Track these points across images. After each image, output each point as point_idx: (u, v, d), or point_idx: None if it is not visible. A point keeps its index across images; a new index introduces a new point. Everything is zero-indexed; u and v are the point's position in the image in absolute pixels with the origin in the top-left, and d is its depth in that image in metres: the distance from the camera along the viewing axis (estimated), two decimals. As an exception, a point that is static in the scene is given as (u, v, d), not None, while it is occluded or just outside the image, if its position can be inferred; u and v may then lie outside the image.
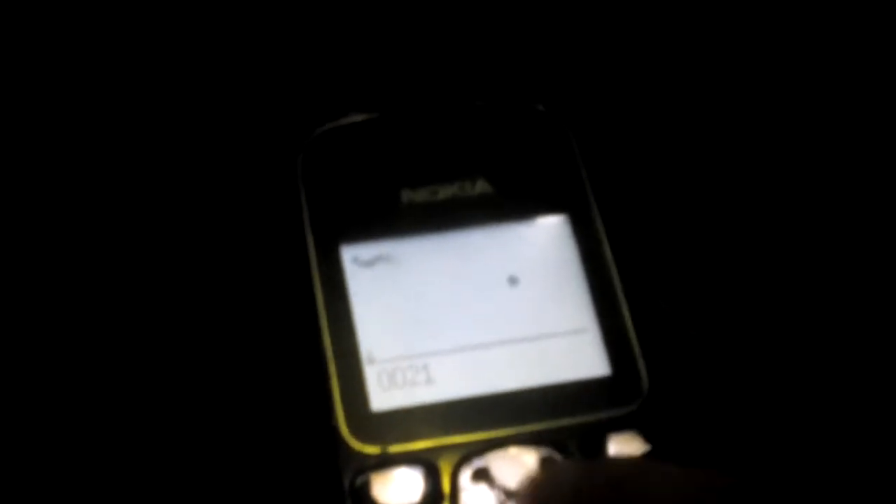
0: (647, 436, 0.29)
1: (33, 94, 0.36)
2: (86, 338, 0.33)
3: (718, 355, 0.33)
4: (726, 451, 0.31)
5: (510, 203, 0.32)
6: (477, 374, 0.30)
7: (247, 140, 0.36)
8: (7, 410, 0.32)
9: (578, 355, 0.30)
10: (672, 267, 0.35)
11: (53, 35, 0.37)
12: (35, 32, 0.37)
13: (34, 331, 0.33)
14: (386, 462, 0.28)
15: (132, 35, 0.37)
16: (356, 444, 0.29)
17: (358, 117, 0.33)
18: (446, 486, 0.28)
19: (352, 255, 0.31)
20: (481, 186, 0.32)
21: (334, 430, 0.29)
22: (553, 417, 0.29)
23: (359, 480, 0.28)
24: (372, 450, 0.29)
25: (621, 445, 0.29)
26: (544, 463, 0.28)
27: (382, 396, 0.29)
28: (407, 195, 0.32)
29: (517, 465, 0.28)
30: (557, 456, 0.29)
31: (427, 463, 0.28)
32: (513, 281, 0.31)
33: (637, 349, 0.30)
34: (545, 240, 0.32)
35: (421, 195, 0.32)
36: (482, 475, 0.28)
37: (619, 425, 0.29)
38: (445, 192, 0.32)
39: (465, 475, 0.28)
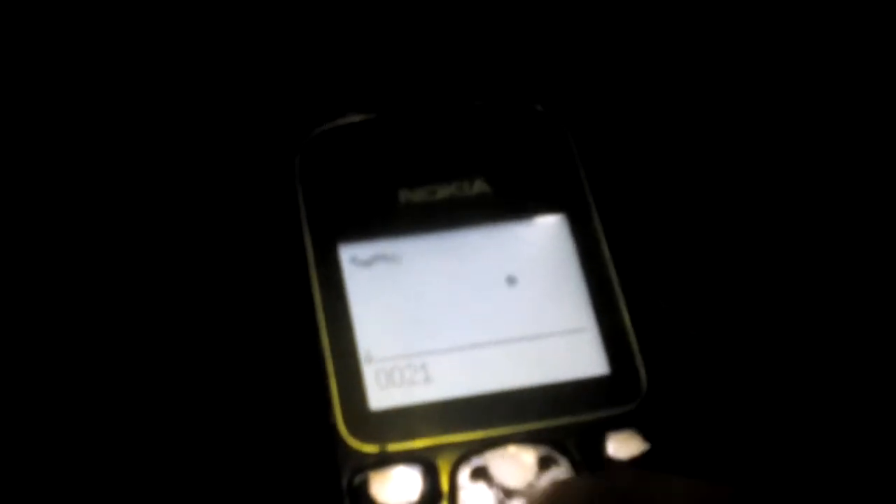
0: (645, 435, 0.29)
1: (30, 88, 0.36)
2: (83, 337, 0.33)
3: (717, 354, 0.33)
4: (726, 450, 0.31)
5: (508, 203, 0.32)
6: (475, 373, 0.30)
7: (244, 140, 0.36)
8: (5, 411, 0.32)
9: (577, 354, 0.30)
10: (671, 266, 0.35)
11: (53, 33, 0.37)
12: (33, 30, 0.37)
13: (30, 330, 0.33)
14: (384, 461, 0.28)
15: (130, 34, 0.37)
16: (354, 443, 0.29)
17: (356, 117, 0.33)
18: (445, 484, 0.28)
19: (350, 255, 0.31)
20: (479, 186, 0.32)
21: (332, 429, 0.29)
22: (552, 416, 0.29)
23: (357, 479, 0.28)
24: (370, 448, 0.28)
25: (620, 444, 0.29)
26: (554, 483, 0.28)
27: (381, 395, 0.29)
28: (405, 195, 0.32)
29: (516, 463, 0.28)
30: (556, 455, 0.28)
31: (425, 461, 0.28)
32: (511, 280, 0.31)
33: (636, 348, 0.30)
34: (543, 239, 0.32)
35: (419, 195, 0.32)
36: (481, 474, 0.28)
37: (618, 424, 0.29)
38: (443, 191, 0.32)
39: (464, 474, 0.28)
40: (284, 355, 0.32)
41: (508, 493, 0.28)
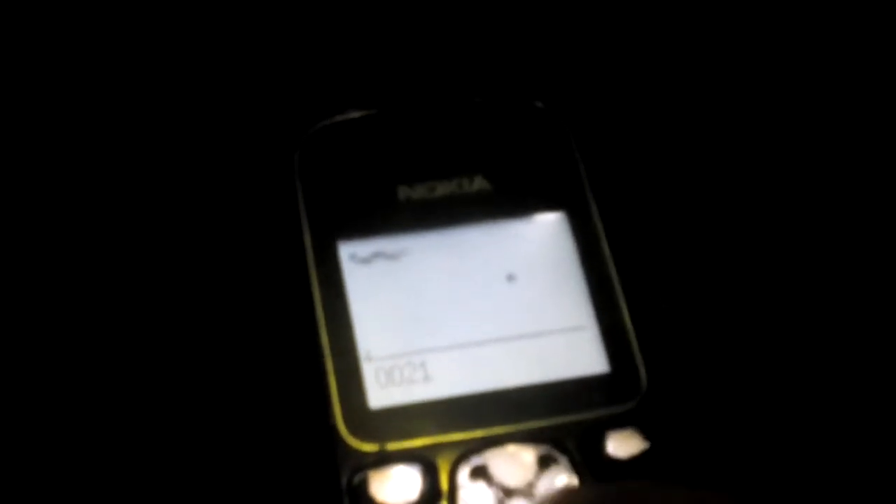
0: (645, 433, 0.29)
1: (27, 83, 0.36)
2: (82, 336, 0.33)
3: (717, 352, 0.33)
4: (725, 449, 0.31)
5: (508, 200, 0.32)
6: (475, 371, 0.30)
7: (243, 137, 0.36)
8: (4, 411, 0.32)
9: (577, 352, 0.30)
10: (670, 264, 0.34)
11: (52, 31, 0.37)
12: (32, 29, 0.37)
13: (29, 330, 0.33)
14: (384, 460, 0.28)
15: (129, 33, 0.37)
16: (354, 442, 0.28)
17: (355, 114, 0.33)
18: (444, 483, 0.28)
19: (349, 252, 0.31)
20: (479, 183, 0.32)
21: (332, 428, 0.29)
22: (551, 415, 0.29)
23: (356, 478, 0.28)
24: (370, 447, 0.28)
25: (620, 443, 0.29)
26: (560, 490, 0.28)
27: (380, 394, 0.29)
28: (404, 192, 0.32)
29: (515, 462, 0.28)
30: (556, 453, 0.28)
31: (425, 460, 0.28)
32: (511, 278, 0.31)
33: (636, 346, 0.30)
34: (543, 237, 0.32)
35: (419, 192, 0.32)
36: (480, 473, 0.28)
37: (618, 423, 0.29)
38: (443, 188, 0.32)
39: (464, 473, 0.28)
40: (284, 354, 0.32)
41: (508, 492, 0.28)
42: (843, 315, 0.34)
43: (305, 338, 0.30)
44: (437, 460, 0.28)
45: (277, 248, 0.32)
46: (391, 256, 0.31)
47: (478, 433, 0.29)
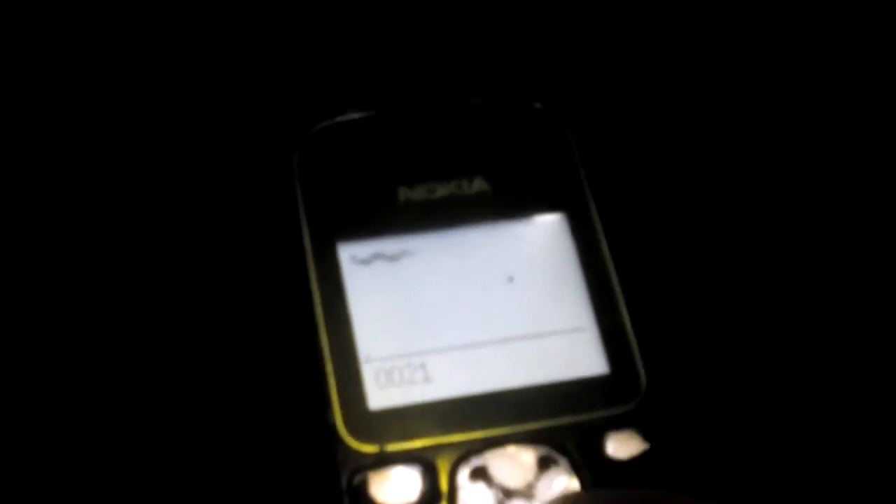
0: (645, 435, 0.29)
1: (27, 83, 0.36)
2: (81, 336, 0.33)
3: (717, 354, 0.33)
4: (725, 450, 0.31)
5: (508, 201, 0.32)
6: (474, 372, 0.30)
7: (243, 138, 0.36)
8: (4, 411, 0.32)
9: (576, 354, 0.30)
10: (670, 265, 0.34)
11: (51, 31, 0.37)
12: (31, 29, 0.37)
13: (28, 329, 0.33)
14: (383, 461, 0.28)
15: (129, 33, 0.37)
16: (353, 443, 0.28)
17: (355, 115, 0.33)
18: (444, 484, 0.28)
19: (349, 254, 0.31)
20: (479, 184, 0.32)
21: (331, 429, 0.29)
22: (551, 416, 0.29)
23: (356, 479, 0.28)
24: (369, 448, 0.28)
25: (619, 444, 0.29)
26: (565, 496, 0.28)
27: (380, 395, 0.29)
28: (404, 193, 0.32)
29: (515, 463, 0.28)
30: (556, 455, 0.28)
31: (425, 461, 0.28)
32: (510, 279, 0.31)
33: (635, 348, 0.30)
34: (543, 238, 0.32)
35: (418, 193, 0.32)
36: (480, 474, 0.28)
37: (618, 424, 0.29)
38: (443, 190, 0.32)
39: (463, 474, 0.28)
40: (283, 355, 0.32)
41: (508, 493, 0.28)
42: (842, 316, 0.34)
43: (305, 339, 0.30)
44: (437, 461, 0.28)
45: (277, 250, 0.32)
46: (391, 257, 0.31)
47: (477, 434, 0.29)
